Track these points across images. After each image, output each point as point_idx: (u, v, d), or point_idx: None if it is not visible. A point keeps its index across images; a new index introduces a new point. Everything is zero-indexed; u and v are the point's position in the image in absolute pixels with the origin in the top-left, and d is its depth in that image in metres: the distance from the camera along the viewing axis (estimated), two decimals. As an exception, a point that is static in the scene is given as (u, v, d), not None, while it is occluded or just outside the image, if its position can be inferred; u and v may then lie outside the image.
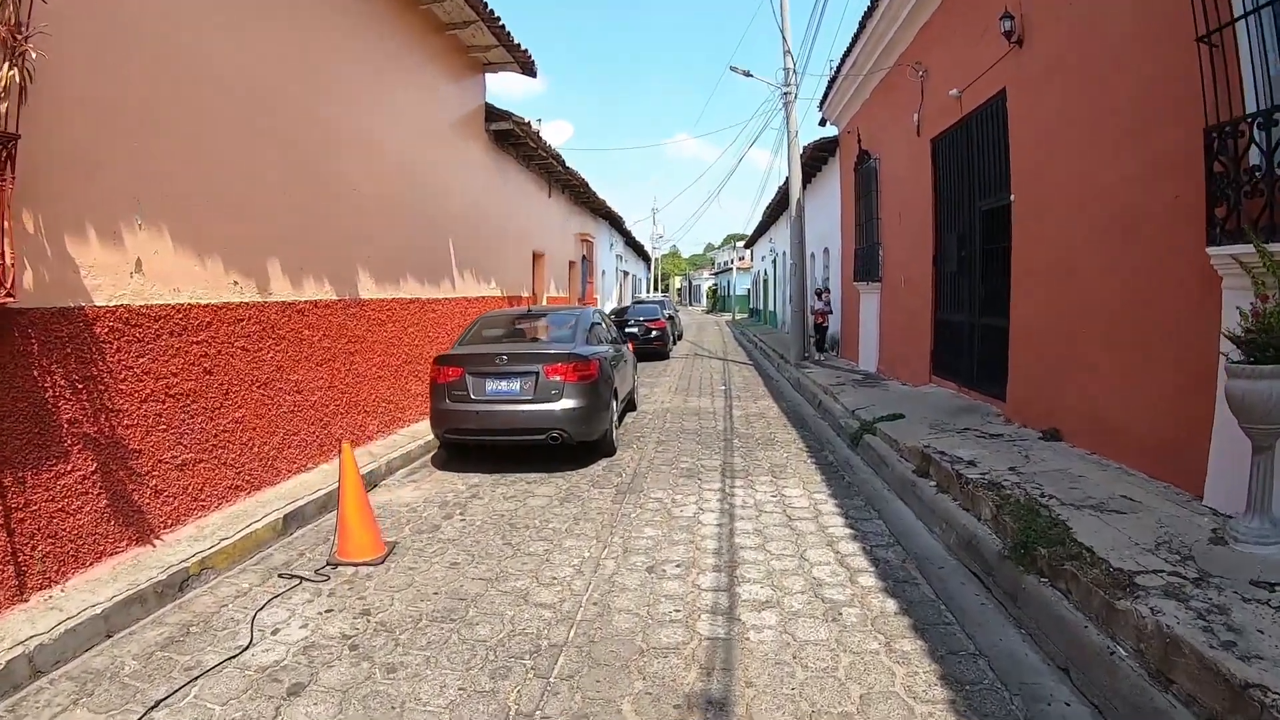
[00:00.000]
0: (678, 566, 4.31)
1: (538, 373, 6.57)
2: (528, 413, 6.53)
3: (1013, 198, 7.05)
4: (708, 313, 64.33)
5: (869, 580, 4.12)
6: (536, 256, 15.20)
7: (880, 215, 12.18)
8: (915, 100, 9.82)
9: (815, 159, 17.52)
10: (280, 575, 4.56)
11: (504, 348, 7.06)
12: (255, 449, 5.69)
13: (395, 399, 7.98)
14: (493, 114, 11.07)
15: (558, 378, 6.55)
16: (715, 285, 69.55)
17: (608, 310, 20.63)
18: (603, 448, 7.17)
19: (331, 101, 6.86)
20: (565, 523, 5.23)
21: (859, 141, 13.10)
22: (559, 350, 6.84)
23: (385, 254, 7.83)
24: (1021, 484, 4.88)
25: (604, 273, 25.65)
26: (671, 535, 4.87)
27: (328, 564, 4.71)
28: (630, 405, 9.94)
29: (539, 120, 16.55)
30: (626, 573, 4.25)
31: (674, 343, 22.36)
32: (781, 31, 15.16)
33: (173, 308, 4.91)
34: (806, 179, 18.11)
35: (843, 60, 12.74)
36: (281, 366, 6.01)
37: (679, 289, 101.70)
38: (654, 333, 17.98)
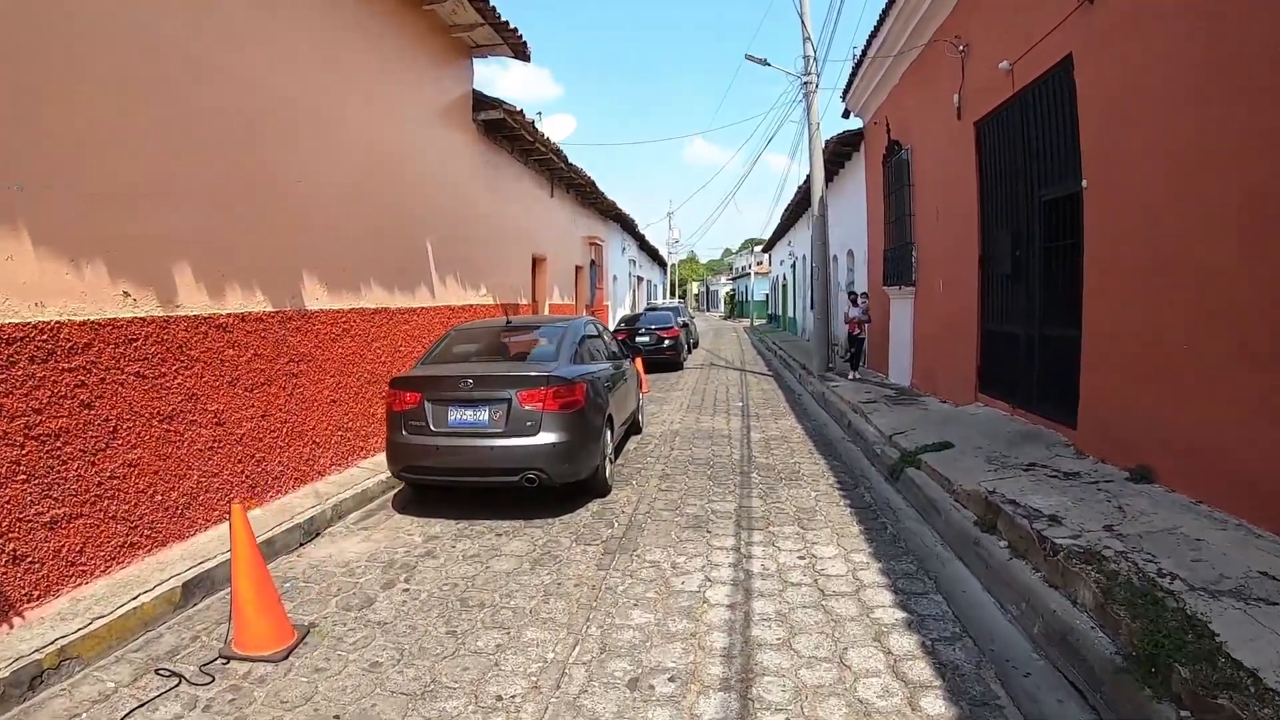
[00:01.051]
0: (671, 680, 3.15)
1: (510, 400, 5.44)
2: (497, 449, 5.40)
3: (1085, 184, 5.85)
4: (725, 319, 63.07)
5: (935, 704, 2.94)
6: (537, 261, 14.13)
7: (913, 212, 10.98)
8: (954, 80, 8.62)
9: (838, 154, 16.33)
10: (159, 671, 3.51)
11: (473, 368, 5.92)
12: (157, 497, 4.61)
13: (355, 426, 6.90)
14: (481, 103, 10.00)
15: (535, 406, 5.42)
16: (733, 291, 68.29)
17: (620, 317, 19.50)
18: (594, 487, 6.04)
19: (277, 71, 5.80)
20: (532, 599, 4.09)
21: (888, 131, 11.90)
22: (537, 372, 5.68)
23: (344, 256, 6.76)
24: (1127, 553, 3.69)
25: (615, 278, 24.56)
26: (667, 623, 3.71)
27: (219, 656, 3.62)
28: (634, 428, 8.82)
29: (539, 115, 15.52)
30: (599, 691, 3.10)
31: (688, 351, 21.22)
32: (800, 16, 14.01)
33: (33, 327, 3.85)
34: (828, 177, 16.90)
35: (869, 41, 11.54)
36: (195, 394, 4.93)
37: (696, 295, 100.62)
38: (666, 342, 16.85)
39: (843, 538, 4.96)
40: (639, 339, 16.82)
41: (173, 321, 4.74)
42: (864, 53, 11.95)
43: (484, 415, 5.46)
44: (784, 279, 34.39)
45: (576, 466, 5.61)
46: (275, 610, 3.64)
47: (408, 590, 4.28)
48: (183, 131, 4.85)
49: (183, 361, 4.82)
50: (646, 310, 22.13)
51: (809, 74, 14.42)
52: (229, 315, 5.24)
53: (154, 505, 4.59)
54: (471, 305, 10.09)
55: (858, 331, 13.06)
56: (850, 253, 16.81)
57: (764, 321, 44.73)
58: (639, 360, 13.55)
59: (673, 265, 63.94)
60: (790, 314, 32.36)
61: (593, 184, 16.53)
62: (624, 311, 24.75)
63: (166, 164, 4.71)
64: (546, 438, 5.38)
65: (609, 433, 6.30)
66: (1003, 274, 7.63)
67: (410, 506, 6.04)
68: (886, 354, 12.47)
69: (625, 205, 22.47)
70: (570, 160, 14.19)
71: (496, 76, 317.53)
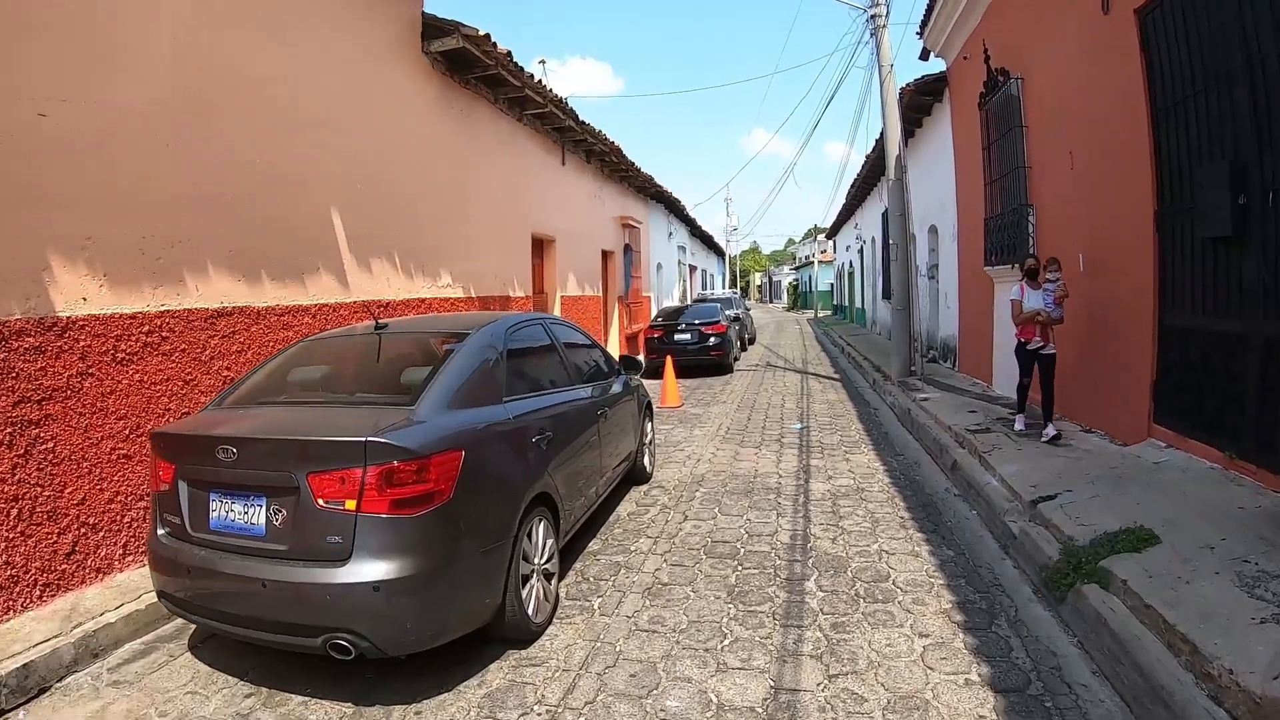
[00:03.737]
0: None
1: (298, 488, 2.93)
2: (272, 587, 2.89)
3: None
4: (789, 310, 59.64)
5: None
6: (542, 242, 11.64)
7: (1029, 163, 8.05)
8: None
9: (915, 109, 13.31)
10: None
11: (266, 419, 3.38)
12: None
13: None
14: (436, 29, 7.49)
15: (341, 502, 2.88)
16: (796, 281, 64.66)
17: (660, 310, 16.75)
18: (502, 632, 3.45)
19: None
20: None
21: (986, 61, 8.95)
22: (349, 434, 2.95)
23: (148, 229, 4.36)
24: None
25: (660, 266, 21.91)
26: None
27: None
28: (634, 476, 6.25)
29: (542, 62, 13.00)
30: None
31: (742, 349, 18.47)
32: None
33: None
34: (903, 139, 13.92)
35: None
36: None
37: (759, 286, 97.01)
38: (712, 339, 14.13)
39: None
40: (678, 336, 14.18)
41: None
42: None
43: (256, 515, 2.95)
44: (849, 266, 31.14)
45: (433, 623, 3.02)
46: None
47: None
48: None
49: None
50: (695, 302, 19.43)
51: (876, 4, 11.51)
52: None
53: None
54: (422, 300, 7.64)
55: (1036, 341, 6.44)
56: (933, 228, 13.79)
57: (829, 313, 41.39)
58: (671, 360, 11.10)
59: (733, 256, 60.58)
60: (858, 304, 29.15)
61: (618, 151, 13.91)
62: (671, 303, 22.03)
63: None
64: (365, 569, 2.82)
65: (539, 535, 3.69)
66: (1211, 236, 4.74)
67: (211, 643, 3.58)
68: (988, 355, 9.53)
69: (682, 194, 19.80)
70: (582, 119, 11.60)
71: (550, 70, 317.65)
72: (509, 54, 8.24)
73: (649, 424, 6.70)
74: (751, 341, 22.15)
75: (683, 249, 26.93)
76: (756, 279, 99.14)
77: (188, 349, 4.62)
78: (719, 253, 43.56)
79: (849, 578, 4.12)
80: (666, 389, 10.66)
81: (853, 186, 23.12)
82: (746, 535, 4.94)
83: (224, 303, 4.96)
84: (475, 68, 8.31)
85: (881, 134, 12.05)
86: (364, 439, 2.86)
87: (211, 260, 4.86)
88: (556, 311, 12.06)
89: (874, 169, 17.74)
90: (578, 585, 4.23)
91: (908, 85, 12.33)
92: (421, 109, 7.80)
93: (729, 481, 6.33)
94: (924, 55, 12.27)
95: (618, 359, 5.90)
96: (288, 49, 5.72)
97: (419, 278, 7.70)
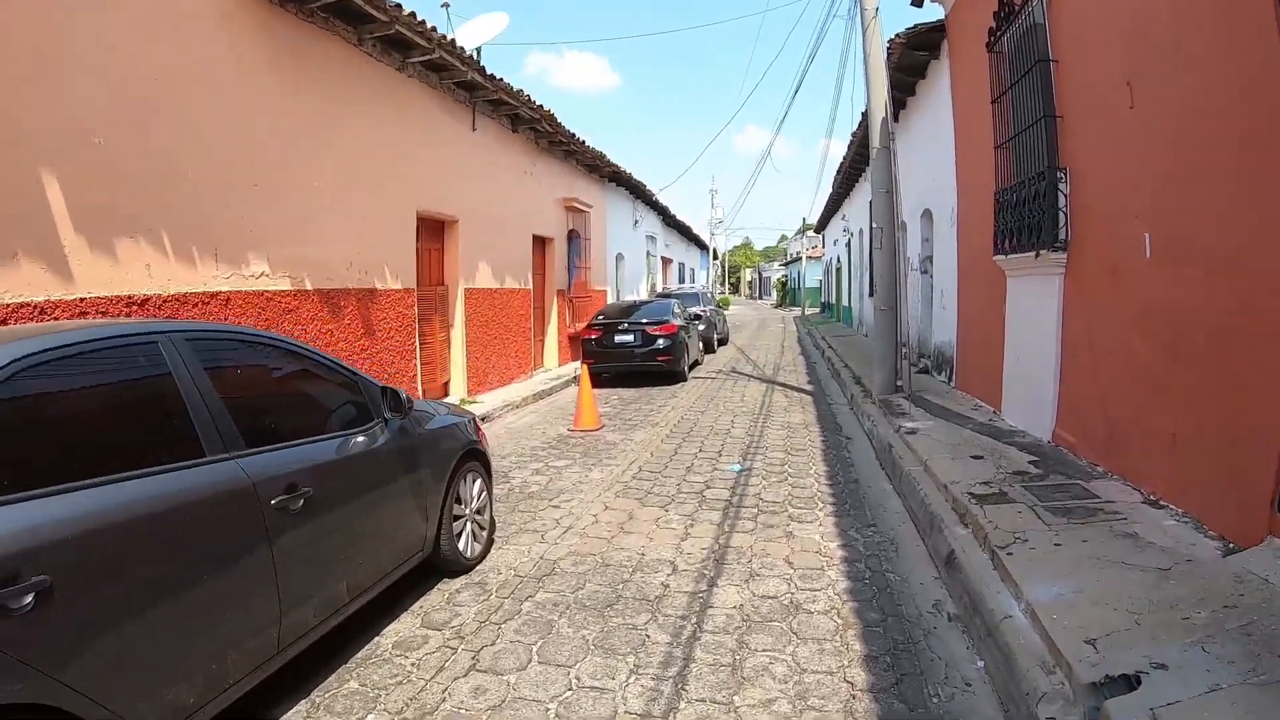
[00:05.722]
0: None
1: None
2: None
3: None
4: (776, 307, 57.33)
5: None
6: (438, 223, 9.36)
7: (1059, 111, 5.79)
8: None
9: (907, 69, 11.03)
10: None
11: None
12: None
13: None
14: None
15: None
16: (785, 277, 62.36)
17: (618, 303, 14.17)
18: None
19: None
20: None
21: (1001, -16, 6.70)
22: None
23: None
24: None
25: (621, 257, 19.56)
26: None
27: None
28: (445, 563, 4.08)
29: (445, 5, 10.66)
30: None
31: (708, 351, 16.26)
32: None
33: None
34: (893, 112, 11.65)
35: None
36: None
37: (749, 282, 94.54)
38: (660, 342, 11.82)
39: None
40: (619, 338, 11.90)
41: None
42: None
43: None
44: (837, 261, 28.87)
45: None
46: None
47: None
48: None
49: None
50: (658, 298, 17.10)
51: (863, -71, 9.24)
52: None
53: None
54: (214, 294, 5.52)
55: None
56: (927, 214, 11.52)
57: (817, 311, 39.14)
58: (592, 379, 8.68)
59: (724, 251, 57.92)
60: (845, 302, 26.90)
61: (551, 118, 11.59)
62: (636, 298, 19.64)
63: None
64: None
65: None
66: None
67: None
68: (997, 371, 7.28)
69: (671, 192, 17.47)
70: (495, 74, 9.33)
71: (551, 65, 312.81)
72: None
73: (476, 484, 4.47)
74: (723, 343, 19.88)
75: (652, 239, 24.58)
76: (747, 275, 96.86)
77: None
78: (700, 245, 41.18)
79: None
80: (581, 407, 8.37)
81: (838, 173, 20.86)
82: (558, 728, 2.68)
83: None
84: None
85: (867, 101, 9.76)
86: None
87: None
88: (459, 308, 9.76)
89: (861, 150, 15.42)
90: None
91: (897, 37, 10.07)
92: (223, 41, 5.69)
93: (592, 577, 4.06)
94: (917, 2, 9.99)
95: (384, 393, 3.61)
96: None
97: (208, 264, 5.53)
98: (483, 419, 9.12)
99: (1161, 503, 4.23)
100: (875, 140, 9.23)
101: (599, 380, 12.47)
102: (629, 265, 20.49)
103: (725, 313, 26.20)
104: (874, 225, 9.52)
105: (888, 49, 9.98)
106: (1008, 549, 3.65)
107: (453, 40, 8.33)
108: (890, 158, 9.06)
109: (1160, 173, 4.34)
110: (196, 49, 5.46)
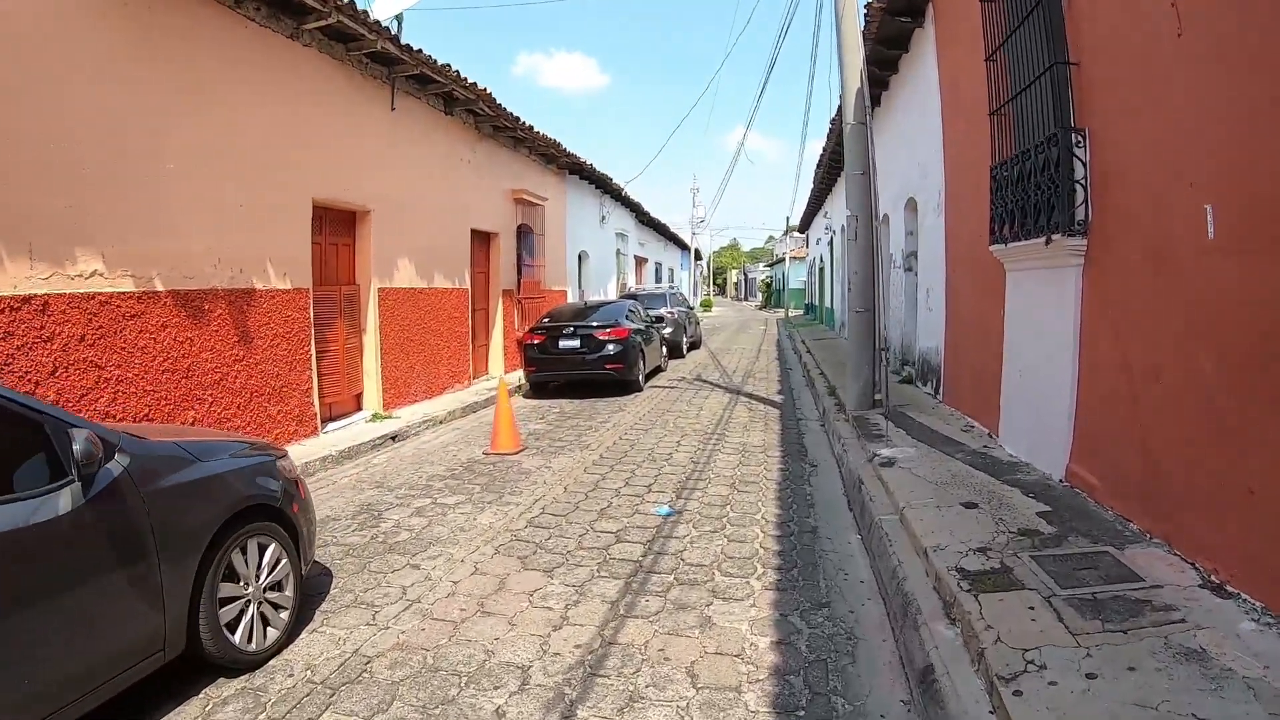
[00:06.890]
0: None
1: None
2: None
3: None
4: (761, 308, 56.02)
5: None
6: (339, 213, 8.00)
7: (1075, 58, 4.50)
8: None
9: (888, 41, 9.75)
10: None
11: None
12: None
13: None
14: None
15: None
16: (770, 278, 61.10)
17: (567, 305, 12.68)
18: None
19: None
20: None
21: (999, -92, 5.41)
22: None
23: None
24: None
25: (585, 255, 18.21)
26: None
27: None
28: (219, 658, 2.83)
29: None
30: None
31: (674, 356, 14.97)
32: None
33: None
34: (874, 96, 10.38)
35: None
36: None
37: (735, 283, 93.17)
38: (609, 348, 10.47)
39: None
40: (563, 343, 10.55)
41: None
42: None
43: None
44: (820, 261, 27.61)
45: None
46: None
47: None
48: None
49: None
50: (615, 300, 15.74)
51: None
52: None
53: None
54: (26, 298, 4.23)
55: None
56: (910, 203, 10.26)
57: (800, 312, 37.87)
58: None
59: (708, 252, 56.34)
60: (827, 303, 25.65)
61: (489, 98, 10.22)
62: (604, 297, 18.28)
63: None
64: None
65: None
66: None
67: None
68: (994, 385, 5.99)
69: (652, 193, 16.03)
70: (413, 45, 8.01)
71: (539, 64, 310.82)
72: None
73: (268, 553, 3.31)
74: (694, 346, 18.55)
75: (623, 236, 23.21)
76: (733, 276, 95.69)
77: None
78: (681, 245, 39.82)
79: None
80: (499, 427, 7.02)
81: (819, 167, 19.63)
82: None
83: None
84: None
85: (841, 70, 8.43)
86: None
87: None
88: (372, 311, 8.40)
89: (840, 140, 14.15)
90: None
91: (876, 1, 8.78)
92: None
93: (407, 691, 2.79)
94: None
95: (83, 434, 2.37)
96: None
97: (20, 263, 4.43)
98: (392, 438, 7.75)
99: (1228, 588, 2.95)
100: (849, 115, 7.97)
101: (544, 390, 11.15)
102: (594, 264, 19.12)
103: (707, 314, 24.92)
104: (848, 213, 8.24)
105: (865, 16, 8.75)
106: (1015, 683, 2.34)
107: (351, 3, 6.99)
108: (867, 135, 7.79)
109: (1228, 118, 3.05)
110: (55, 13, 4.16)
